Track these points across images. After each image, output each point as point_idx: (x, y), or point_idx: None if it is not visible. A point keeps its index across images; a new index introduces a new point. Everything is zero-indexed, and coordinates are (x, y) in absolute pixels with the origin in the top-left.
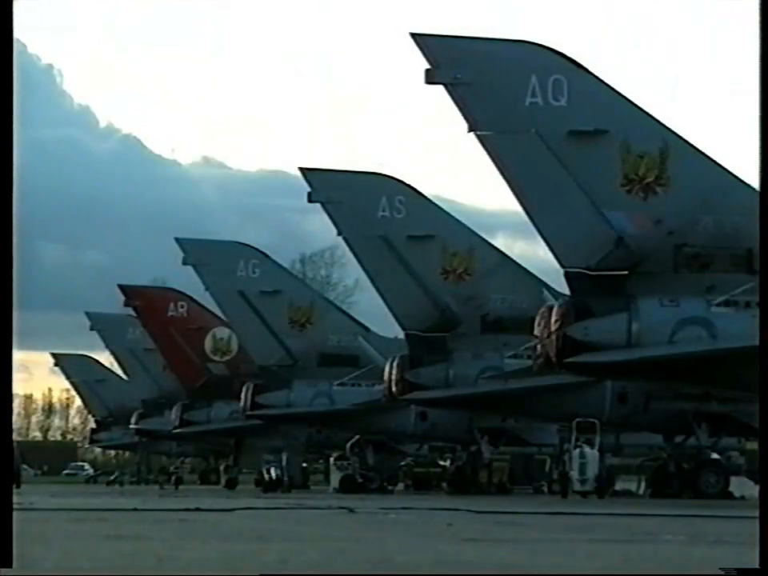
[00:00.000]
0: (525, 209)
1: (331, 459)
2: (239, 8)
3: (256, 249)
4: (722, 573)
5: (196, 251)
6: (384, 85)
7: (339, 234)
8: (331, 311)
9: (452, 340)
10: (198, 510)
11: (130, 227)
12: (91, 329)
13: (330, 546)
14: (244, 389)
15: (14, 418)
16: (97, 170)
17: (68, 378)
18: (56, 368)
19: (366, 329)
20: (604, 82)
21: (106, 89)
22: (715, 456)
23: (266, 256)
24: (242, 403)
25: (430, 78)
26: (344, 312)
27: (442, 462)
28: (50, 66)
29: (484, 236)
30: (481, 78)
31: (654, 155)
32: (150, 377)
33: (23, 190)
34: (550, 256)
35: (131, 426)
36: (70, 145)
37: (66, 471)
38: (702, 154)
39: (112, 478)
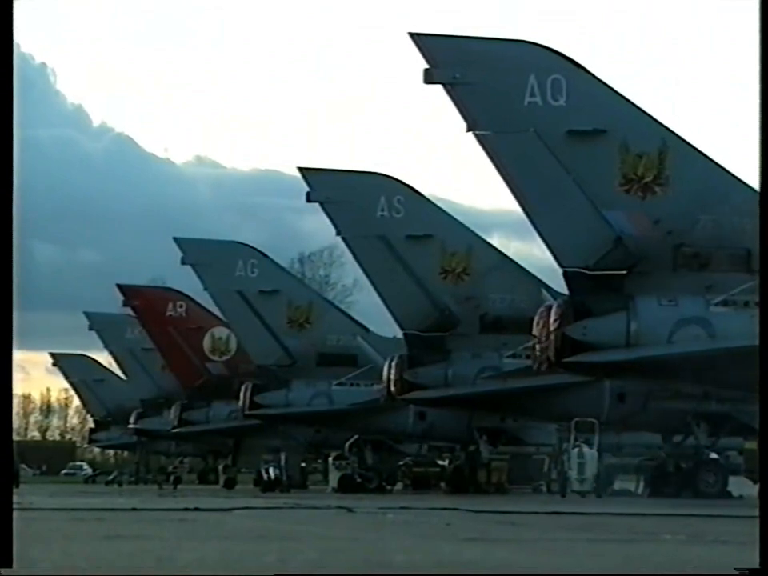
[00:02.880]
0: (523, 208)
1: (330, 459)
2: (235, 6)
3: (255, 248)
4: (721, 573)
5: (195, 251)
6: (383, 84)
7: (338, 233)
8: (330, 311)
9: (451, 340)
10: (196, 509)
11: (128, 227)
12: (90, 329)
13: (329, 545)
14: (243, 388)
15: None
16: (91, 170)
17: (67, 377)
18: (54, 368)
19: (365, 328)
20: (603, 82)
21: (99, 88)
22: (714, 456)
23: (265, 256)
24: (240, 403)
25: (429, 78)
26: (343, 312)
27: (440, 462)
28: (44, 65)
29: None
30: (479, 77)
31: (653, 155)
32: (148, 377)
33: (19, 189)
34: (546, 255)
35: (130, 426)
36: (64, 144)
37: (64, 471)
38: (701, 153)
39: (111, 477)
